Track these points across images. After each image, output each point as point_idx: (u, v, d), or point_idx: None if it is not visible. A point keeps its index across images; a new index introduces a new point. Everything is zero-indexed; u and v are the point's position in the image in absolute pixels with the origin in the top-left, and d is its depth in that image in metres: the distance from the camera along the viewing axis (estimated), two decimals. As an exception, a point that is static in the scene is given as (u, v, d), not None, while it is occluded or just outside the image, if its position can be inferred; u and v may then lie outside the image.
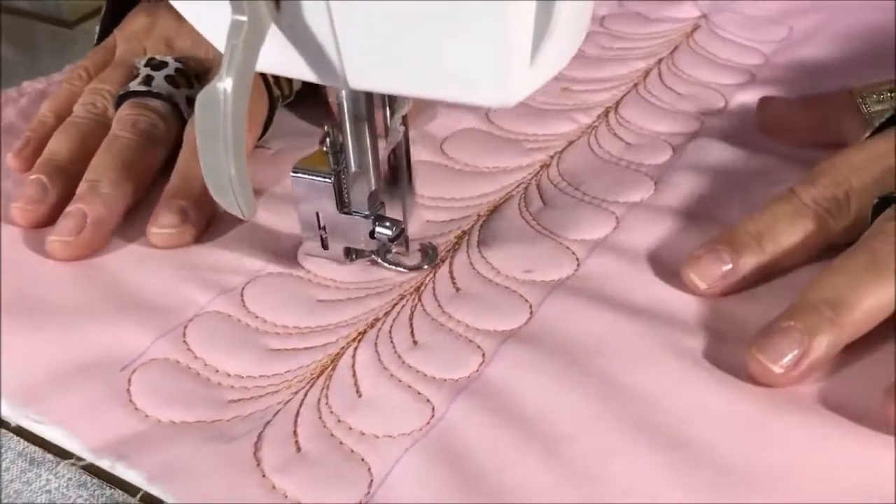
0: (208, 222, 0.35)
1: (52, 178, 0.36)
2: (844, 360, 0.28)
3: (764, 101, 0.39)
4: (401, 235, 0.33)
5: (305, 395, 0.28)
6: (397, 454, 0.26)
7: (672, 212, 0.35)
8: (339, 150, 0.31)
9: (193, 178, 0.35)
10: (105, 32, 0.43)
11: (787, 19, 0.47)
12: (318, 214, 0.33)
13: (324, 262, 0.33)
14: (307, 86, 0.43)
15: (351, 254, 0.34)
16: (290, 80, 0.41)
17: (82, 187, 0.35)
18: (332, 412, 0.28)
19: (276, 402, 0.28)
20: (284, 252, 0.34)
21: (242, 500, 0.25)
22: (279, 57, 0.27)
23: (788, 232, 0.30)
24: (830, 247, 0.31)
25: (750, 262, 0.30)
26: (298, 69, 0.27)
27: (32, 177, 0.36)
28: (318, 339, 0.30)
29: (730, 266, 0.30)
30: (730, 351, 0.28)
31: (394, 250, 0.33)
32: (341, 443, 0.27)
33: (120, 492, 0.26)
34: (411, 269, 0.33)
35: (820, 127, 0.37)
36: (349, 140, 0.31)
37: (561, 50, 0.27)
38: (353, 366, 0.29)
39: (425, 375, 0.29)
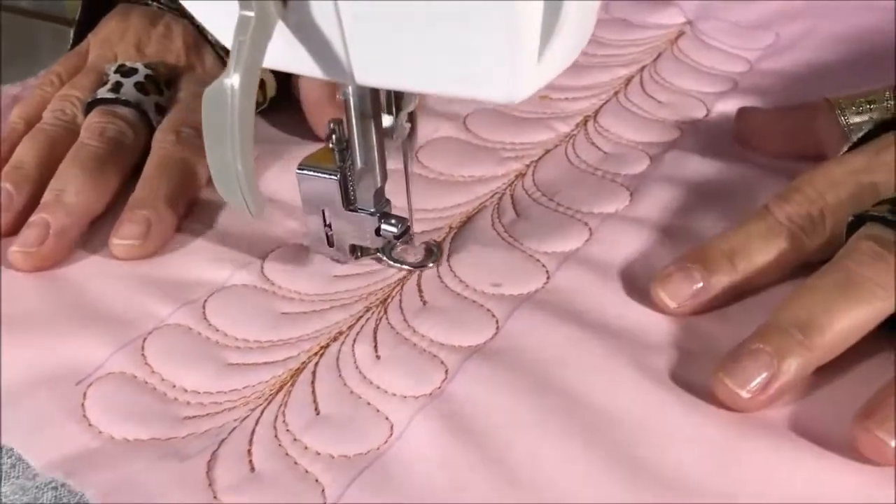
0: (173, 232, 0.34)
1: (19, 186, 0.35)
2: (815, 383, 0.27)
3: (742, 112, 0.38)
4: (406, 233, 0.32)
5: (262, 412, 0.28)
6: (352, 475, 0.25)
7: (646, 224, 0.34)
8: (345, 147, 0.31)
9: (159, 187, 0.35)
10: (79, 37, 0.43)
11: (774, 25, 0.47)
12: (323, 211, 0.32)
13: (289, 274, 0.33)
14: (281, 92, 0.42)
15: (356, 251, 0.33)
16: (263, 87, 0.40)
17: (47, 196, 0.34)
18: (288, 430, 0.27)
19: (233, 419, 0.27)
20: (250, 262, 0.33)
21: (191, 522, 0.24)
22: (286, 53, 0.27)
23: (762, 250, 0.29)
24: (805, 265, 0.30)
25: (722, 280, 0.29)
26: (305, 65, 0.27)
27: (-2, 184, 0.35)
28: (278, 354, 0.29)
29: (700, 285, 0.29)
30: (699, 372, 0.27)
31: (399, 248, 0.33)
32: (296, 463, 0.26)
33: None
34: (416, 266, 0.33)
35: (798, 138, 0.36)
36: (355, 137, 0.31)
37: (568, 47, 0.27)
38: (312, 381, 0.28)
39: (386, 392, 0.28)
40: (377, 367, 0.29)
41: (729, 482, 0.24)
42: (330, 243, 0.33)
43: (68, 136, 0.37)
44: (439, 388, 0.28)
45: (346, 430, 0.27)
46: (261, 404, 0.28)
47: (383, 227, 0.32)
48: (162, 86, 0.38)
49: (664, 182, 0.36)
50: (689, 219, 0.34)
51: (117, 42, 0.41)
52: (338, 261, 0.33)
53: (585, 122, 0.40)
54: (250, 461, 0.26)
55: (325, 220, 0.33)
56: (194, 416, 0.28)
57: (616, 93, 0.42)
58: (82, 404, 0.28)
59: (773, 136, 0.37)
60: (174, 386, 0.29)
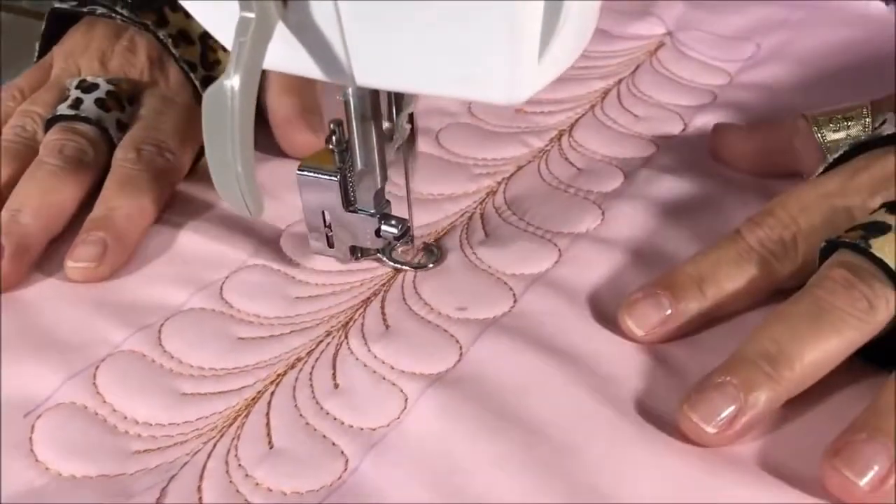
0: (132, 253, 0.33)
1: (-25, 205, 0.34)
2: (784, 416, 0.26)
3: (718, 129, 0.37)
4: (406, 234, 0.32)
5: (215, 445, 0.27)
6: (302, 513, 0.24)
7: (617, 245, 0.33)
8: (345, 149, 0.31)
9: (117, 208, 0.34)
10: (44, 50, 0.42)
11: (756, 36, 0.46)
12: (323, 213, 0.32)
13: (249, 296, 0.32)
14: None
15: (356, 252, 0.33)
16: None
17: (3, 216, 0.33)
18: (240, 465, 0.26)
19: (184, 453, 0.26)
20: (210, 284, 0.32)
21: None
22: (286, 54, 0.27)
23: (732, 276, 0.28)
24: (779, 290, 0.29)
25: (691, 307, 0.28)
26: (305, 66, 0.27)
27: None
28: (233, 382, 0.28)
29: (669, 312, 0.28)
30: (665, 402, 0.26)
31: (399, 249, 0.33)
32: (247, 500, 0.25)
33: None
34: (416, 267, 0.33)
35: (775, 156, 0.35)
36: (355, 138, 0.30)
37: (568, 48, 0.27)
38: (267, 412, 0.27)
39: (342, 423, 0.27)
40: (334, 397, 0.28)
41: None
42: (330, 244, 0.33)
43: (29, 153, 0.36)
44: (397, 419, 0.27)
45: (299, 465, 0.26)
46: (213, 437, 0.27)
47: (383, 228, 0.32)
48: (124, 102, 0.37)
49: (637, 201, 0.35)
50: (661, 240, 0.33)
51: (80, 55, 0.40)
52: (339, 260, 0.33)
53: (560, 136, 0.39)
54: (200, 498, 0.25)
55: (325, 222, 0.33)
56: (145, 451, 0.27)
57: (592, 106, 0.41)
58: (30, 438, 0.27)
59: (749, 153, 0.36)
60: (125, 417, 0.28)
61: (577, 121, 0.40)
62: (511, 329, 0.30)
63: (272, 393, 0.28)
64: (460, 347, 0.29)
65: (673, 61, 0.44)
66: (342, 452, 0.26)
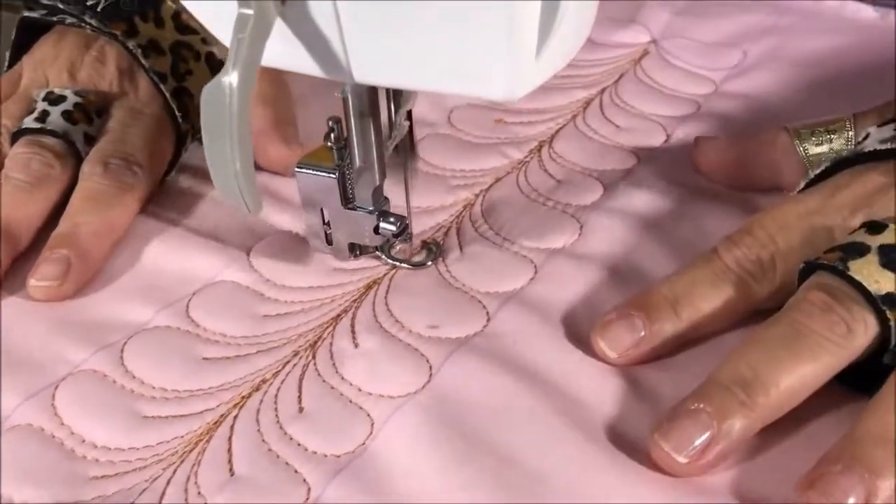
0: (97, 270, 0.33)
1: (-59, 221, 0.33)
2: (760, 444, 0.25)
3: (699, 142, 0.36)
4: (405, 231, 0.32)
5: (175, 471, 0.26)
6: (261, 544, 0.24)
7: (594, 261, 0.32)
8: (343, 146, 0.31)
9: (82, 224, 0.33)
10: (14, 59, 0.41)
11: (743, 43, 0.45)
12: (322, 210, 0.32)
13: (216, 314, 0.31)
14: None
15: (355, 249, 0.33)
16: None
17: None
18: (199, 493, 0.25)
19: (143, 479, 0.26)
20: (176, 301, 0.31)
21: None
22: (284, 51, 0.27)
23: (707, 297, 0.28)
24: (758, 311, 0.28)
25: (665, 329, 0.27)
26: (304, 63, 0.27)
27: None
28: (196, 405, 0.28)
29: (643, 333, 0.27)
30: (637, 428, 0.26)
31: (398, 246, 0.33)
32: (205, 529, 0.24)
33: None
34: (415, 265, 0.32)
35: (757, 169, 0.34)
36: (354, 135, 0.30)
37: (566, 45, 0.27)
38: (230, 437, 0.27)
39: (306, 450, 0.26)
40: (299, 422, 0.27)
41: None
42: (329, 241, 0.33)
43: (-6, 166, 0.35)
44: (363, 444, 0.26)
45: (260, 493, 0.25)
46: (174, 462, 0.26)
47: (382, 225, 0.32)
48: (92, 114, 0.37)
49: (616, 214, 0.34)
50: (638, 256, 0.32)
51: (49, 66, 0.39)
52: (339, 258, 0.33)
53: (540, 147, 0.39)
54: (157, 527, 0.24)
55: (323, 219, 0.33)
56: (102, 476, 0.26)
57: (574, 116, 0.40)
58: (-16, 462, 0.26)
59: (730, 167, 0.35)
60: (84, 441, 0.27)
61: (557, 131, 0.40)
62: (483, 349, 0.29)
63: (235, 417, 0.27)
64: (430, 368, 0.28)
65: (657, 70, 0.43)
66: (304, 480, 0.25)
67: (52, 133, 0.35)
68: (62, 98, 0.36)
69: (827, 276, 0.26)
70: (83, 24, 0.38)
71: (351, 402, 0.27)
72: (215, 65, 0.39)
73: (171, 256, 0.33)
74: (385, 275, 0.32)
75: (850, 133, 0.31)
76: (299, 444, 0.26)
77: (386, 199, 0.32)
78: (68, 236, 0.32)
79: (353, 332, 0.30)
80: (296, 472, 0.25)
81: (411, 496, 0.24)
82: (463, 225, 0.35)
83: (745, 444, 0.25)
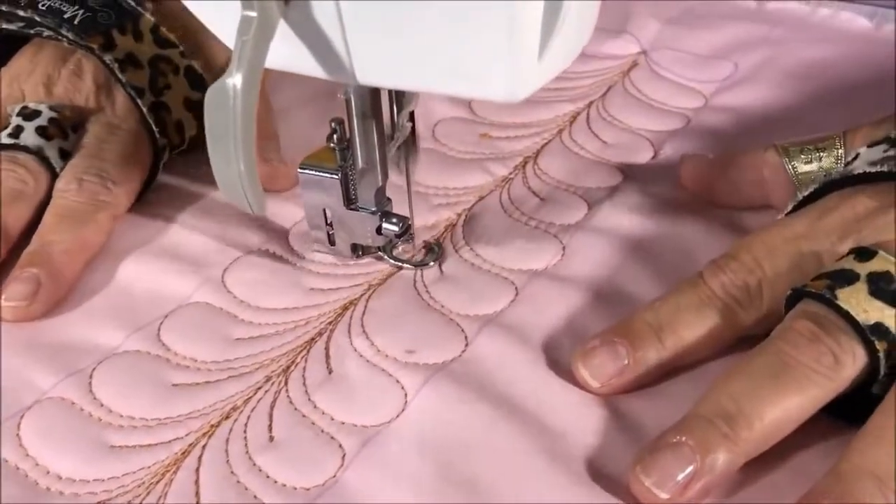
0: (68, 289, 0.32)
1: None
2: (743, 479, 0.24)
3: (686, 160, 0.35)
4: (407, 232, 0.32)
5: (140, 503, 0.25)
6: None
7: (577, 284, 0.31)
8: (346, 147, 0.31)
9: (54, 242, 0.32)
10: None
11: (734, 55, 0.44)
12: (324, 210, 0.33)
13: (187, 337, 0.30)
14: (202, 133, 0.40)
15: (357, 250, 0.33)
16: (180, 129, 0.38)
17: None
18: (164, 527, 0.24)
19: (107, 512, 0.25)
20: (147, 324, 0.30)
21: None
22: (288, 53, 0.27)
23: (692, 325, 0.27)
24: (744, 337, 0.27)
25: (649, 357, 0.26)
26: (307, 65, 0.27)
27: None
28: (164, 434, 0.27)
29: (626, 362, 0.26)
30: (618, 461, 0.25)
31: (400, 247, 0.33)
32: (169, 565, 0.24)
33: None
34: (416, 265, 0.33)
35: (745, 188, 0.33)
36: (356, 136, 0.30)
37: (568, 45, 0.27)
38: (197, 468, 0.26)
39: (275, 482, 0.25)
40: (268, 451, 0.26)
41: None
42: (331, 242, 0.33)
43: (-32, 183, 0.35)
44: (333, 477, 0.25)
45: (226, 528, 0.24)
46: (140, 494, 0.25)
47: (384, 225, 0.32)
48: (67, 129, 0.36)
49: (600, 235, 0.33)
50: (622, 279, 0.31)
51: (25, 80, 0.38)
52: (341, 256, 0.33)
53: (525, 164, 0.38)
54: (119, 563, 0.24)
55: (326, 220, 0.33)
56: (66, 509, 0.25)
57: (560, 131, 0.40)
58: (-55, 493, 0.26)
59: (718, 185, 0.34)
60: (48, 472, 0.26)
61: (543, 147, 0.39)
62: (460, 376, 0.28)
63: (204, 446, 0.26)
64: (405, 396, 0.28)
65: (646, 82, 0.42)
66: (273, 514, 0.24)
67: (25, 149, 0.34)
68: (37, 113, 0.36)
69: (814, 305, 0.25)
70: (60, 38, 0.37)
71: (323, 431, 0.27)
72: (195, 78, 0.38)
73: (144, 276, 0.33)
74: (362, 295, 0.32)
75: (840, 151, 0.31)
76: (268, 476, 0.25)
77: (388, 199, 0.32)
78: (39, 255, 0.32)
79: (327, 356, 0.29)
80: (263, 505, 0.25)
81: (380, 534, 0.24)
82: (444, 245, 0.34)
83: (729, 478, 0.24)
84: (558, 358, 0.28)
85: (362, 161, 0.31)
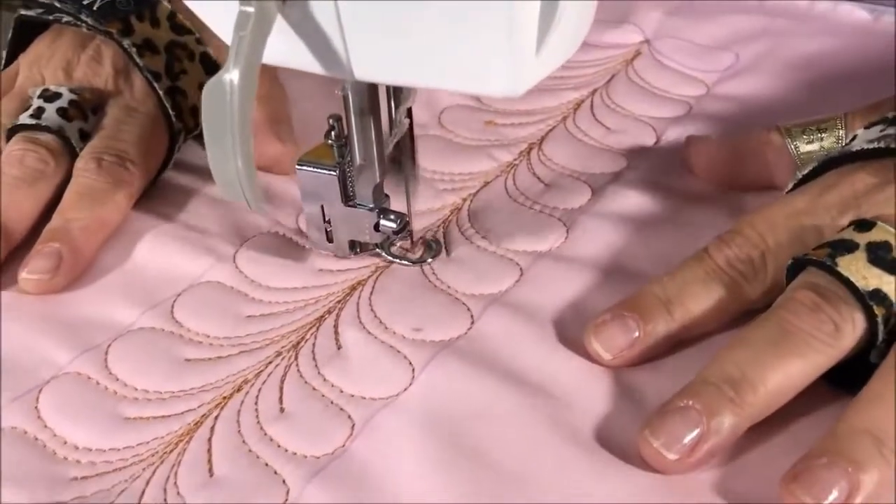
0: (87, 265, 0.33)
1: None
2: (746, 444, 0.25)
3: (691, 141, 0.36)
4: (405, 228, 0.32)
5: (154, 472, 0.26)
6: (238, 544, 0.23)
7: (581, 264, 0.32)
8: (343, 143, 0.31)
9: (74, 219, 0.33)
10: (11, 57, 0.41)
11: (735, 46, 0.44)
12: (322, 207, 0.32)
13: (200, 314, 0.31)
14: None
15: (355, 246, 0.33)
16: (195, 113, 0.38)
17: None
18: (178, 493, 0.25)
19: (123, 479, 0.26)
20: (161, 302, 0.31)
21: None
22: (285, 49, 0.27)
23: (699, 297, 0.27)
24: (750, 311, 0.28)
25: (658, 329, 0.27)
26: (304, 61, 0.27)
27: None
28: (177, 406, 0.28)
29: (637, 334, 0.27)
30: (623, 430, 0.25)
31: (398, 243, 0.33)
32: (183, 530, 0.24)
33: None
34: (415, 262, 0.33)
35: (749, 168, 0.34)
36: (354, 133, 0.30)
37: (566, 40, 0.27)
38: (210, 438, 0.27)
39: (286, 451, 0.26)
40: (279, 423, 0.27)
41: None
42: (329, 239, 0.33)
43: (-11, 162, 0.36)
44: (342, 446, 0.26)
45: (238, 494, 0.25)
46: (154, 463, 0.26)
47: (382, 222, 0.32)
48: (87, 111, 0.37)
49: (603, 218, 0.34)
50: (626, 259, 0.32)
51: (45, 65, 0.39)
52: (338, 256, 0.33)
53: (529, 150, 0.38)
54: (135, 527, 0.24)
55: (323, 216, 0.33)
56: (83, 477, 0.26)
57: (564, 118, 0.40)
58: (-34, 464, 0.26)
59: (722, 165, 0.34)
60: (65, 443, 0.27)
61: (547, 133, 0.39)
62: (466, 352, 0.29)
63: (216, 417, 0.27)
64: (413, 370, 0.28)
65: (649, 71, 0.43)
66: (284, 481, 0.25)
67: (46, 129, 0.35)
68: (57, 95, 0.36)
69: (815, 275, 0.25)
70: (79, 23, 0.38)
71: (332, 403, 0.27)
72: (210, 65, 0.39)
73: (158, 255, 0.33)
74: (370, 276, 0.32)
75: (841, 132, 0.31)
76: (279, 445, 0.26)
77: (386, 196, 0.32)
78: (60, 231, 0.33)
79: (336, 333, 0.30)
80: (275, 472, 0.25)
81: (389, 498, 0.24)
82: (450, 228, 0.34)
83: (731, 445, 0.24)
84: (563, 334, 0.29)
85: (360, 157, 0.31)
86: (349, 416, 0.27)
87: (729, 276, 0.27)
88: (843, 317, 0.25)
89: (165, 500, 0.25)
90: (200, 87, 0.39)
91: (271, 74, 0.39)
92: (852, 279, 0.25)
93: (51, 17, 0.39)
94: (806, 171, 0.29)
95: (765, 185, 0.34)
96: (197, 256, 0.33)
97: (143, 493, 0.25)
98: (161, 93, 0.37)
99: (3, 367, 0.29)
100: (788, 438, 0.25)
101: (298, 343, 0.30)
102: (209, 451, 0.26)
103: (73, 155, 0.36)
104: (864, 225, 0.26)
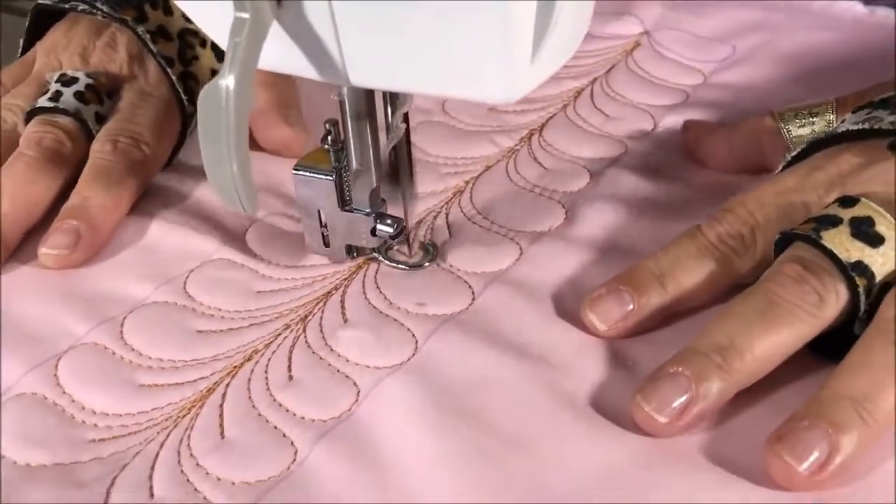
0: (104, 243, 0.34)
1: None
2: (733, 410, 0.26)
3: (687, 125, 0.37)
4: (402, 233, 0.32)
5: (168, 435, 0.27)
6: (248, 502, 0.24)
7: (579, 243, 0.33)
8: (340, 148, 0.31)
9: (91, 198, 0.34)
10: (28, 46, 0.43)
11: (733, 38, 0.46)
12: (319, 212, 0.33)
13: (211, 290, 0.32)
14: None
15: (352, 251, 0.33)
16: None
17: None
18: (191, 455, 0.26)
19: (138, 442, 0.27)
20: (174, 277, 0.33)
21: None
22: (281, 54, 0.27)
23: (691, 272, 0.29)
24: (740, 286, 0.29)
25: (652, 302, 0.28)
26: (300, 66, 0.27)
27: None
28: (190, 374, 0.29)
29: (631, 307, 0.28)
30: (618, 397, 0.27)
31: (395, 247, 0.33)
32: (196, 489, 0.25)
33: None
34: (412, 266, 0.33)
35: (744, 151, 0.35)
36: (351, 137, 0.31)
37: (561, 46, 0.27)
38: (221, 404, 0.28)
39: (294, 415, 0.27)
40: (288, 390, 0.28)
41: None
42: (326, 243, 0.33)
43: (8, 144, 0.37)
44: (348, 410, 0.27)
45: (249, 455, 0.26)
46: (167, 427, 0.27)
47: (379, 227, 0.32)
48: (103, 95, 0.38)
49: (602, 200, 0.35)
50: (623, 238, 0.33)
51: (62, 51, 0.40)
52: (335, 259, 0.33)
53: (530, 136, 0.40)
54: (150, 487, 0.25)
55: (320, 221, 0.33)
56: (100, 440, 0.27)
57: (565, 106, 0.41)
58: (-12, 426, 0.27)
59: (718, 149, 0.36)
60: (83, 408, 0.28)
61: (548, 120, 0.40)
62: (468, 325, 0.30)
63: (227, 385, 0.28)
64: (416, 342, 0.29)
65: (648, 61, 0.44)
66: (292, 443, 0.26)
67: (64, 112, 0.37)
68: (74, 80, 0.38)
69: (801, 249, 0.27)
70: (95, 11, 0.39)
71: (338, 371, 0.29)
72: (220, 51, 0.40)
73: (171, 234, 0.35)
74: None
75: (832, 116, 0.32)
76: (287, 410, 0.27)
77: (383, 200, 0.32)
78: (78, 209, 0.34)
79: (342, 307, 0.31)
80: (283, 435, 0.27)
81: (392, 459, 0.25)
82: (452, 210, 0.36)
83: (720, 412, 0.25)
84: (562, 308, 0.30)
85: (357, 162, 0.31)
86: (355, 383, 0.28)
87: (720, 251, 0.29)
88: (826, 288, 0.26)
89: (179, 460, 0.26)
90: (212, 72, 0.41)
91: None
92: (836, 251, 0.26)
93: (67, 6, 0.40)
94: (795, 153, 0.30)
95: (759, 167, 0.35)
96: (207, 235, 0.34)
97: (157, 455, 0.26)
98: (174, 78, 0.38)
99: (23, 338, 0.30)
100: (774, 404, 0.26)
101: (306, 317, 0.31)
102: (221, 416, 0.27)
103: (90, 137, 0.37)
104: (848, 201, 0.27)
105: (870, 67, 0.40)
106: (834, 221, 0.26)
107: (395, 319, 0.30)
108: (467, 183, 0.37)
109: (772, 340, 0.25)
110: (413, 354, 0.29)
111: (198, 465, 0.26)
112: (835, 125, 0.32)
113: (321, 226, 0.33)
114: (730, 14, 0.47)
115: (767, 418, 0.25)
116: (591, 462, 0.25)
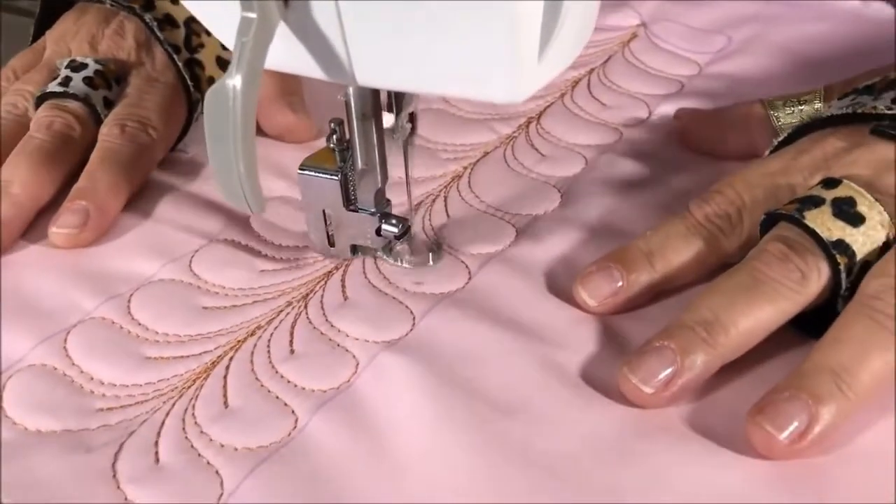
0: (112, 223, 0.35)
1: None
2: (717, 384, 0.27)
3: (680, 113, 0.38)
4: (407, 233, 0.33)
5: (174, 404, 0.28)
6: (250, 467, 0.26)
7: (573, 225, 0.34)
8: (345, 148, 0.32)
9: (100, 179, 0.35)
10: (38, 35, 0.44)
11: (728, 29, 0.46)
12: (324, 212, 0.33)
13: (216, 268, 0.33)
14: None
15: (357, 250, 0.34)
16: (212, 84, 0.40)
17: None
18: (196, 423, 0.27)
19: (144, 411, 0.28)
20: (180, 256, 0.34)
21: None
22: (288, 54, 0.27)
23: (679, 250, 0.30)
24: (727, 264, 0.29)
25: (641, 279, 0.29)
26: (307, 66, 0.28)
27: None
28: (195, 348, 0.30)
29: (620, 284, 0.29)
30: (607, 370, 0.27)
31: (399, 247, 0.33)
32: (200, 455, 0.26)
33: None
34: (417, 265, 0.33)
35: (734, 138, 0.36)
36: (356, 137, 0.31)
37: (568, 46, 0.27)
38: (225, 375, 0.29)
39: (295, 386, 0.28)
40: (289, 362, 0.29)
41: (617, 479, 0.24)
42: (331, 243, 0.33)
43: (20, 129, 0.38)
44: (347, 381, 0.28)
45: (251, 423, 0.27)
46: (173, 397, 0.28)
47: (384, 227, 0.32)
48: (111, 80, 0.39)
49: (596, 184, 0.36)
50: (616, 221, 0.34)
51: (72, 39, 0.41)
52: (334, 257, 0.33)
53: (528, 124, 0.41)
54: (156, 453, 0.26)
55: (325, 221, 0.33)
56: (107, 409, 0.28)
57: (562, 95, 0.42)
58: (0, 395, 0.28)
59: (709, 135, 0.37)
60: (91, 379, 0.29)
61: (546, 109, 0.41)
62: (464, 302, 0.31)
63: (231, 358, 0.29)
64: (413, 318, 0.30)
65: (645, 52, 0.45)
66: (292, 412, 0.27)
67: (73, 97, 0.38)
68: (83, 65, 0.39)
69: (785, 228, 0.28)
70: (104, 1, 0.40)
71: (338, 345, 0.30)
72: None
73: (177, 214, 0.36)
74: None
75: (819, 104, 0.33)
76: (289, 381, 0.28)
77: (388, 200, 0.33)
78: (87, 190, 0.35)
79: (343, 286, 0.32)
80: (285, 405, 0.27)
81: (389, 426, 0.26)
82: (450, 194, 0.37)
83: (704, 385, 0.26)
84: (555, 285, 0.31)
85: (362, 162, 0.31)
86: (354, 357, 0.29)
87: (708, 230, 0.30)
88: (809, 266, 0.27)
89: (184, 428, 0.27)
90: (217, 59, 0.42)
91: None
92: (818, 231, 0.27)
93: (76, -4, 0.41)
94: (783, 137, 0.31)
95: (748, 153, 0.36)
96: (212, 217, 0.35)
97: (163, 422, 0.27)
98: (180, 64, 0.39)
99: (34, 313, 0.31)
100: (757, 378, 0.27)
101: (308, 294, 0.32)
102: (224, 387, 0.28)
103: (98, 121, 0.38)
104: (830, 183, 0.28)
105: (863, 59, 0.41)
106: (817, 202, 0.27)
107: (393, 297, 0.31)
108: (465, 168, 0.38)
109: (755, 316, 0.26)
110: (411, 330, 0.30)
111: (202, 432, 0.27)
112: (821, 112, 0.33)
113: (326, 225, 0.33)
114: (725, 6, 0.48)
115: (750, 391, 0.26)
116: (579, 429, 0.26)
